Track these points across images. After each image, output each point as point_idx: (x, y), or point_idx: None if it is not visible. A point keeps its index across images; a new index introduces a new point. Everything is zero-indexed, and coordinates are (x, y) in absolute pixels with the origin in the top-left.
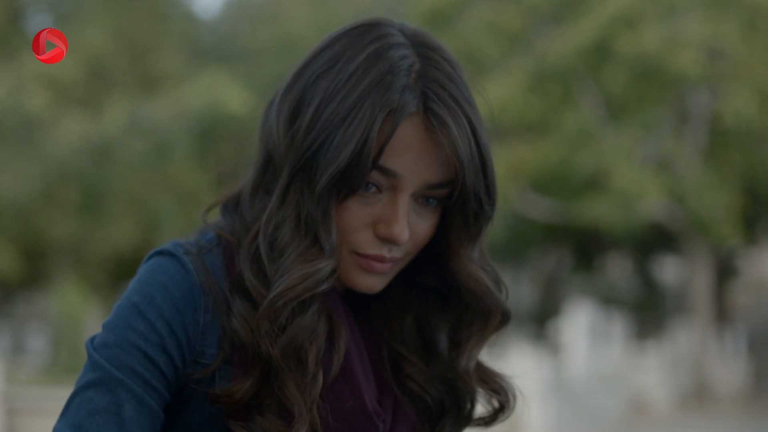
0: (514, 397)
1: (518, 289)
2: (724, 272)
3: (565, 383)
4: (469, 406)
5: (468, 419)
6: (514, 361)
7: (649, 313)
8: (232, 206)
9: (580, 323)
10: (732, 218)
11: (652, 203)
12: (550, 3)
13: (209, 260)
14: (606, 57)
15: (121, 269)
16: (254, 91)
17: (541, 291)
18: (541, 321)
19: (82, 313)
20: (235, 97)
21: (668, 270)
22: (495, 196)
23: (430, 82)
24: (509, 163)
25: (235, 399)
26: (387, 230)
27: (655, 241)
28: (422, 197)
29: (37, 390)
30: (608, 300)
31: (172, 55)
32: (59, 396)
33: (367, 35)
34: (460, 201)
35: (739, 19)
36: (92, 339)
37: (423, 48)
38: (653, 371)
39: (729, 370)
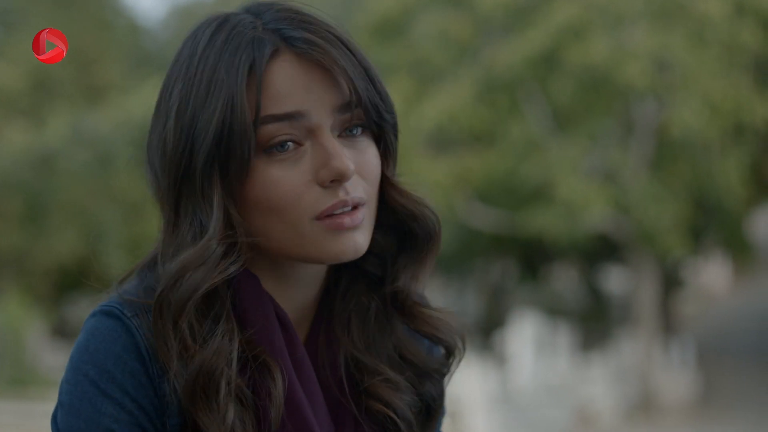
0: (462, 339)
1: (464, 300)
2: (671, 283)
3: (511, 394)
4: (438, 401)
5: (438, 412)
6: (460, 372)
7: (595, 323)
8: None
9: (525, 334)
10: (678, 229)
11: (597, 214)
12: (499, 13)
13: (147, 321)
14: (553, 67)
15: (65, 281)
16: None
17: (487, 302)
18: (486, 332)
19: (24, 325)
20: None
21: (614, 280)
22: (390, 103)
23: (280, 20)
24: (456, 173)
25: None
26: (329, 171)
27: (601, 251)
28: (344, 130)
29: None
30: (554, 311)
31: (115, 65)
32: (2, 409)
33: (207, 27)
34: (368, 119)
35: (686, 30)
36: (55, 421)
37: (264, 5)
38: (599, 382)
39: (675, 380)
